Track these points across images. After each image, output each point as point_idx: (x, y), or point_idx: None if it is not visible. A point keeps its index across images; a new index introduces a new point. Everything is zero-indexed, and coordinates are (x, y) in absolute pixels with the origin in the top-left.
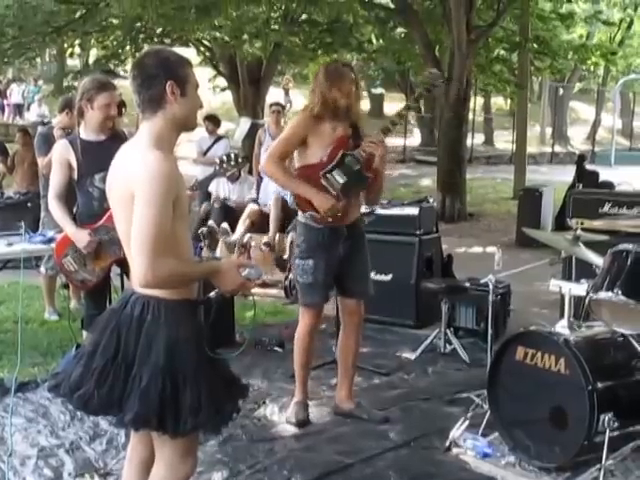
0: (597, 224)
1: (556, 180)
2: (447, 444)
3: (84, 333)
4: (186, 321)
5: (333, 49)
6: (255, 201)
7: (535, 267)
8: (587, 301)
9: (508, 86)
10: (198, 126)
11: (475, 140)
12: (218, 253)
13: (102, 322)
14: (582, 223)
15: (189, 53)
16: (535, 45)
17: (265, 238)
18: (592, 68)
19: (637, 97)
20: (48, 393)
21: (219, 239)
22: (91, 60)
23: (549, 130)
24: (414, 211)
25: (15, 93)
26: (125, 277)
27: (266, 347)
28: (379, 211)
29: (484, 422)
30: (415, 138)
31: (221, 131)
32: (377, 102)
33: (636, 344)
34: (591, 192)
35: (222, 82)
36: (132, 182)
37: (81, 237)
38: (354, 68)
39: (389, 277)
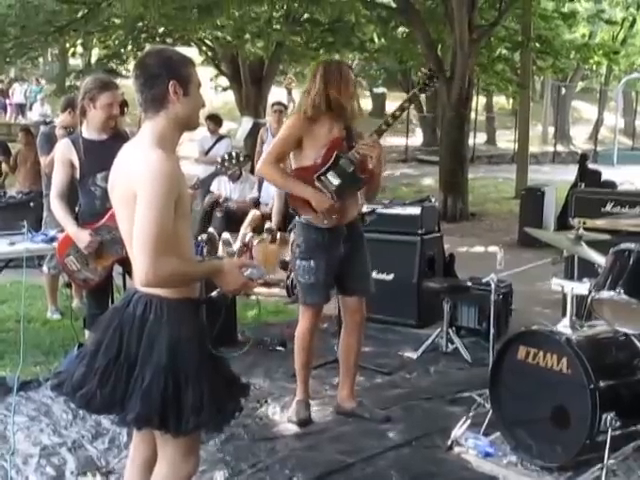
0: (599, 223)
1: (558, 179)
2: (449, 443)
3: (86, 332)
4: (188, 320)
5: (335, 48)
6: (256, 201)
7: (537, 266)
8: (589, 300)
9: (510, 85)
10: (200, 125)
11: (477, 139)
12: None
13: (105, 321)
14: (584, 222)
15: (191, 53)
16: (537, 44)
17: (268, 224)
18: (594, 67)
19: (639, 96)
20: (51, 392)
21: (218, 247)
22: (93, 60)
23: (551, 129)
24: (416, 211)
25: (17, 93)
26: (127, 276)
27: (268, 346)
28: (381, 210)
29: (486, 421)
30: (417, 137)
31: (223, 131)
32: (379, 101)
33: (638, 343)
34: (593, 191)
35: (224, 82)
36: (134, 181)
37: (82, 237)
38: (352, 68)
39: (391, 276)
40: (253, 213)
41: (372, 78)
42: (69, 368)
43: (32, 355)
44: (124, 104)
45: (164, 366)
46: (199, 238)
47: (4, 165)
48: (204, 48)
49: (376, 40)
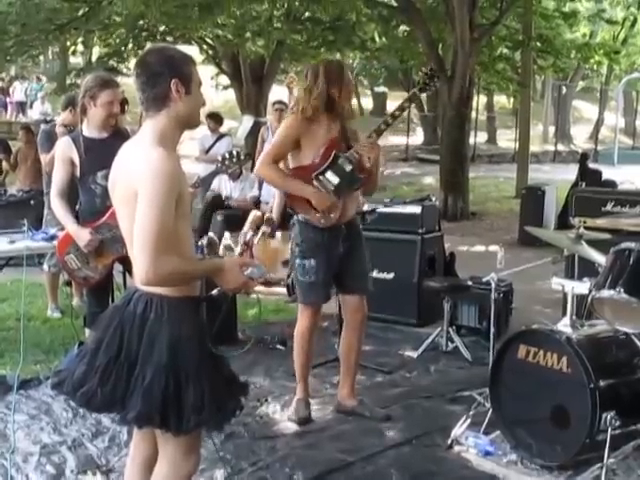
0: (600, 223)
1: (559, 179)
2: (449, 442)
3: (86, 331)
4: (189, 319)
5: (336, 47)
6: (257, 200)
7: (537, 266)
8: (589, 299)
9: (511, 85)
10: (201, 124)
11: (478, 139)
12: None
13: (105, 320)
14: (585, 222)
15: (192, 51)
16: (538, 44)
17: (267, 214)
18: (595, 67)
19: None
20: (51, 390)
21: (219, 252)
22: (94, 58)
23: (552, 129)
24: (416, 210)
25: (18, 91)
26: (128, 275)
27: (268, 345)
28: (381, 209)
29: (486, 420)
30: (418, 136)
31: (224, 129)
32: (380, 100)
33: (638, 342)
34: (594, 191)
35: (225, 80)
36: (135, 180)
37: (82, 235)
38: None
39: (391, 275)
40: (254, 214)
41: (373, 77)
42: (69, 366)
43: (32, 353)
44: (124, 102)
45: (165, 365)
46: (199, 243)
47: (4, 163)
48: (205, 47)
49: (377, 39)
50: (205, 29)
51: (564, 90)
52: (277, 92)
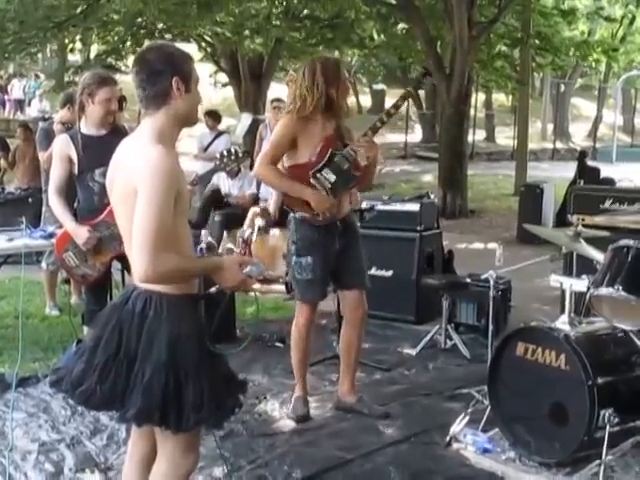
0: (598, 220)
1: (557, 176)
2: (447, 440)
3: (85, 328)
4: (188, 317)
5: (334, 45)
6: (256, 197)
7: (536, 263)
8: (588, 297)
9: (509, 82)
10: (199, 122)
11: (476, 136)
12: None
13: (103, 317)
14: (583, 219)
15: (190, 49)
16: (537, 41)
17: (262, 204)
18: (594, 64)
19: (639, 93)
20: (49, 388)
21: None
22: (92, 55)
23: (550, 126)
24: (415, 207)
25: (16, 88)
26: (126, 272)
27: (267, 343)
28: (380, 207)
29: (484, 418)
30: (416, 134)
31: (222, 127)
32: (378, 98)
33: (636, 340)
34: (592, 188)
35: (223, 78)
36: (134, 177)
37: (80, 233)
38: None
39: (390, 273)
40: (253, 211)
41: (371, 75)
42: (68, 364)
43: (31, 351)
44: (122, 100)
45: (164, 362)
46: (198, 248)
47: (3, 161)
48: (203, 44)
49: (375, 37)
50: (204, 27)
51: (562, 88)
52: (276, 90)
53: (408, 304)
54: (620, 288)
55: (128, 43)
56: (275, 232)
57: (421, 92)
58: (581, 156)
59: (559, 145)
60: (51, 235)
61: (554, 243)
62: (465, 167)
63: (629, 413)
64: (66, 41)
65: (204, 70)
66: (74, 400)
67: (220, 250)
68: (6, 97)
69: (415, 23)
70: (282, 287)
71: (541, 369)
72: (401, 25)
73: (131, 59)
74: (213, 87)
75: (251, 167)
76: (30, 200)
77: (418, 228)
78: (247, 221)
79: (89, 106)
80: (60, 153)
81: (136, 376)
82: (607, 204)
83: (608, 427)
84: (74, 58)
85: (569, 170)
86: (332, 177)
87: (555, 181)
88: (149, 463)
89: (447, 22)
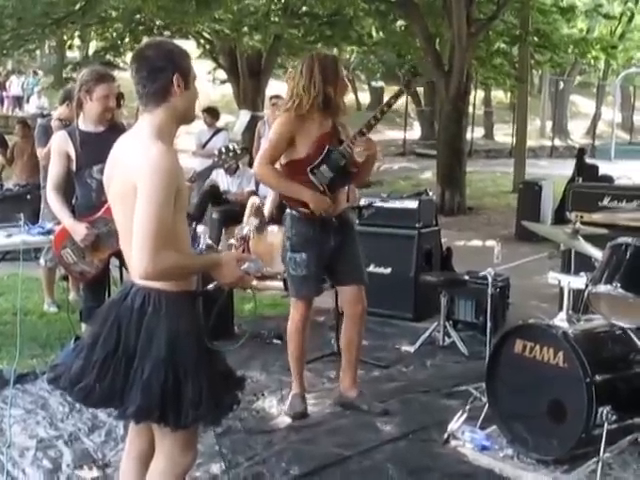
0: (596, 217)
1: (556, 174)
2: (445, 437)
3: (83, 325)
4: (187, 314)
5: (333, 42)
6: (254, 194)
7: (534, 260)
8: (586, 294)
9: (508, 79)
10: (196, 118)
11: (475, 133)
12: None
13: (102, 314)
14: (581, 216)
15: (189, 45)
16: (535, 38)
17: (257, 200)
18: (592, 62)
19: (637, 91)
20: (47, 385)
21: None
22: (90, 52)
23: (549, 124)
24: (414, 204)
25: (14, 85)
26: (124, 269)
27: (264, 339)
28: (378, 204)
29: (482, 415)
30: (415, 131)
31: (220, 124)
32: (377, 95)
33: (634, 337)
34: (591, 186)
35: (222, 75)
36: (133, 175)
37: (78, 230)
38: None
39: (388, 270)
40: (252, 202)
41: (370, 72)
42: (66, 361)
43: (29, 348)
44: (121, 96)
45: (163, 359)
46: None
47: (1, 158)
48: (202, 41)
49: (374, 34)
50: (202, 23)
51: (561, 85)
52: (274, 87)
53: (406, 301)
54: (618, 285)
55: (126, 40)
56: (273, 229)
57: (419, 89)
58: (580, 153)
59: (558, 142)
60: (49, 232)
61: (552, 240)
62: (464, 164)
63: (627, 410)
64: (64, 38)
65: (202, 67)
66: (73, 397)
67: (220, 247)
68: (4, 94)
69: (414, 20)
70: (280, 284)
71: (539, 366)
72: (400, 22)
73: (129, 56)
74: (212, 84)
75: (249, 164)
76: (28, 197)
77: (416, 225)
78: (247, 211)
79: (87, 103)
80: (58, 150)
81: (135, 373)
82: (605, 202)
83: (606, 424)
84: (72, 55)
85: (568, 167)
86: (330, 173)
87: (554, 178)
88: (147, 460)
89: (446, 19)
